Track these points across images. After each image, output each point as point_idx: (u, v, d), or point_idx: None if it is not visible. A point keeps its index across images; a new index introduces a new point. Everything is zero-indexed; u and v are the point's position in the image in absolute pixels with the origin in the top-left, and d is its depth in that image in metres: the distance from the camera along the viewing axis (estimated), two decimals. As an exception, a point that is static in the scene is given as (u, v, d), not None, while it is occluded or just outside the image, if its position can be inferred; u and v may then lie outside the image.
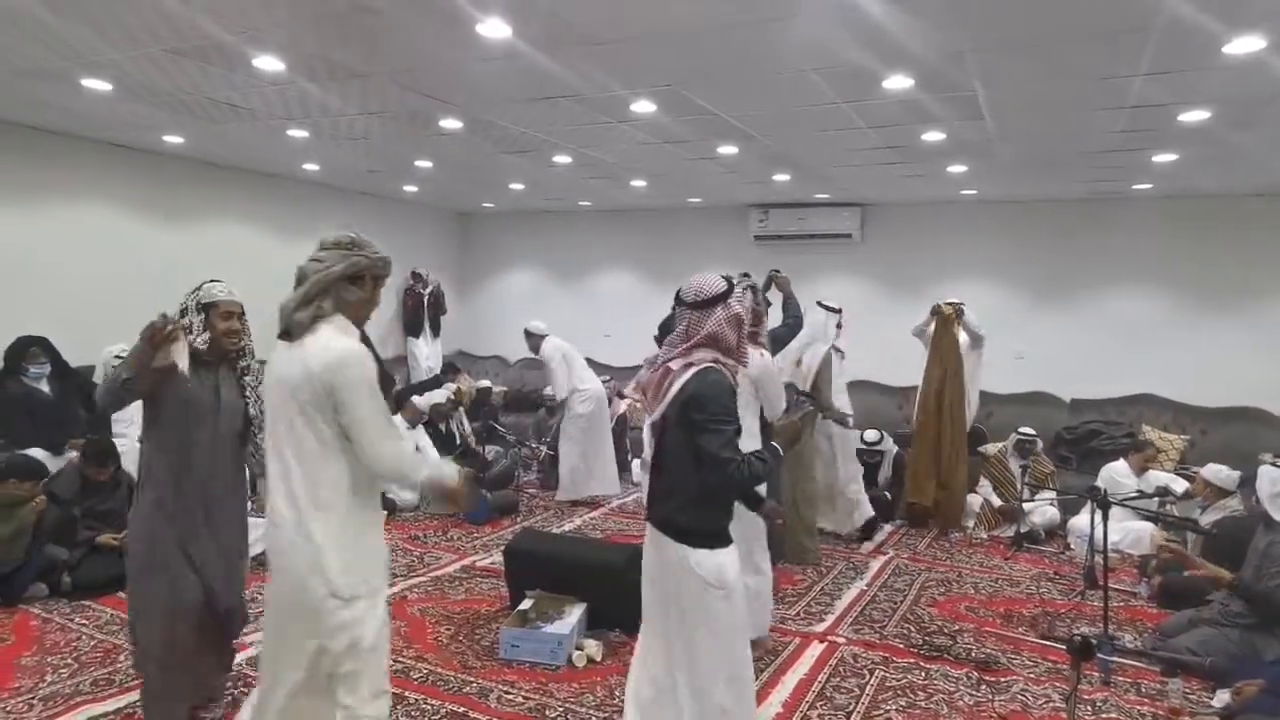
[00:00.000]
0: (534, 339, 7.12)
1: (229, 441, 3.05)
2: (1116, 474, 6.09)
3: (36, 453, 4.91)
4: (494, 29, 3.68)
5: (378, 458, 2.30)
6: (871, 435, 6.99)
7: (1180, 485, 5.90)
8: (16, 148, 6.29)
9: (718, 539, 2.56)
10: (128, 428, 6.18)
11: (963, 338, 6.53)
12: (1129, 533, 5.84)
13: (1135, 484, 5.88)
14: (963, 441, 6.41)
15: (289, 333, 2.35)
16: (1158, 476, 6.12)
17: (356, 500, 2.34)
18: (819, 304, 5.99)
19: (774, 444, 2.61)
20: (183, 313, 2.96)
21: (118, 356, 6.30)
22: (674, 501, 2.55)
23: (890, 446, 7.07)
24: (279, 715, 2.40)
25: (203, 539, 2.95)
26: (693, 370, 2.51)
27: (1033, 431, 6.59)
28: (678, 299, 2.65)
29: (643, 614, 2.74)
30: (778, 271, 5.55)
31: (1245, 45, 3.58)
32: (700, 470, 2.48)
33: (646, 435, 2.63)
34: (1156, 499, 5.05)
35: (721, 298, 2.58)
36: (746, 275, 4.56)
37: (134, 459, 5.81)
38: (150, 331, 2.78)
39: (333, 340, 2.31)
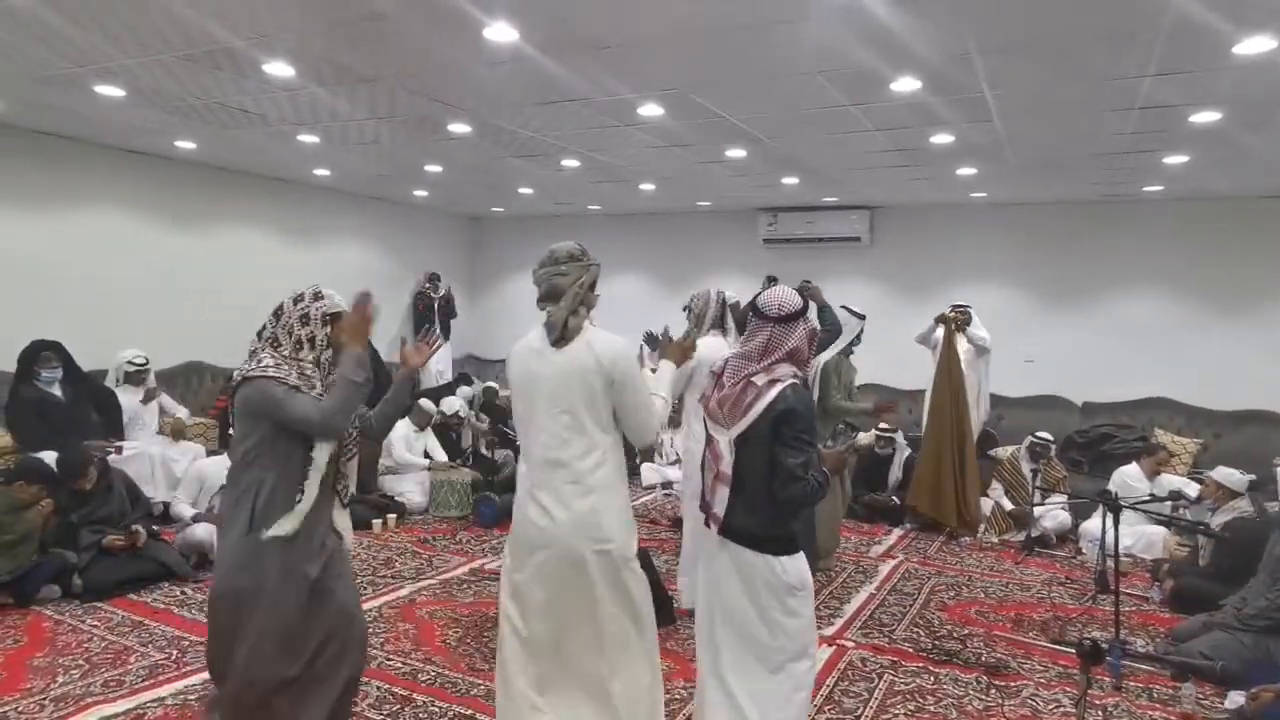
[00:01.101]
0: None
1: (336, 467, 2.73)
2: (1129, 478, 6.05)
3: (48, 456, 4.94)
4: (501, 33, 3.70)
5: (643, 428, 2.71)
6: (886, 424, 7.00)
7: (1194, 489, 5.86)
8: (30, 153, 6.36)
9: (794, 543, 2.63)
10: (140, 430, 6.26)
11: (965, 345, 6.50)
12: (1141, 537, 5.81)
13: (1148, 488, 5.84)
14: (970, 448, 6.38)
15: (563, 339, 2.66)
16: (1171, 480, 6.08)
17: (622, 475, 2.75)
18: (844, 308, 5.92)
19: (823, 469, 2.63)
20: (301, 324, 2.57)
21: (130, 362, 6.38)
22: (760, 515, 2.58)
23: (903, 446, 7.05)
24: (567, 672, 2.67)
25: (336, 584, 2.68)
26: (780, 386, 2.54)
27: (1049, 436, 6.55)
28: (758, 313, 2.67)
29: (700, 636, 2.79)
30: (809, 282, 5.53)
31: (1255, 45, 3.57)
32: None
33: (724, 449, 2.63)
34: (1169, 503, 5.03)
35: (803, 312, 2.64)
36: (774, 280, 4.59)
37: (146, 463, 5.94)
38: (358, 315, 2.53)
39: (610, 338, 2.71)
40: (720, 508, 2.63)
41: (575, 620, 2.67)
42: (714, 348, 3.10)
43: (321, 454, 2.54)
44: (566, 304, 2.67)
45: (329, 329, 2.60)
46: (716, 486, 2.65)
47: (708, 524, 2.73)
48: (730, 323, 4.34)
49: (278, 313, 2.59)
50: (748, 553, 2.59)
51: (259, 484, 2.48)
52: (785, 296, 2.65)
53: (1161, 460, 6.22)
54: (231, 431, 2.66)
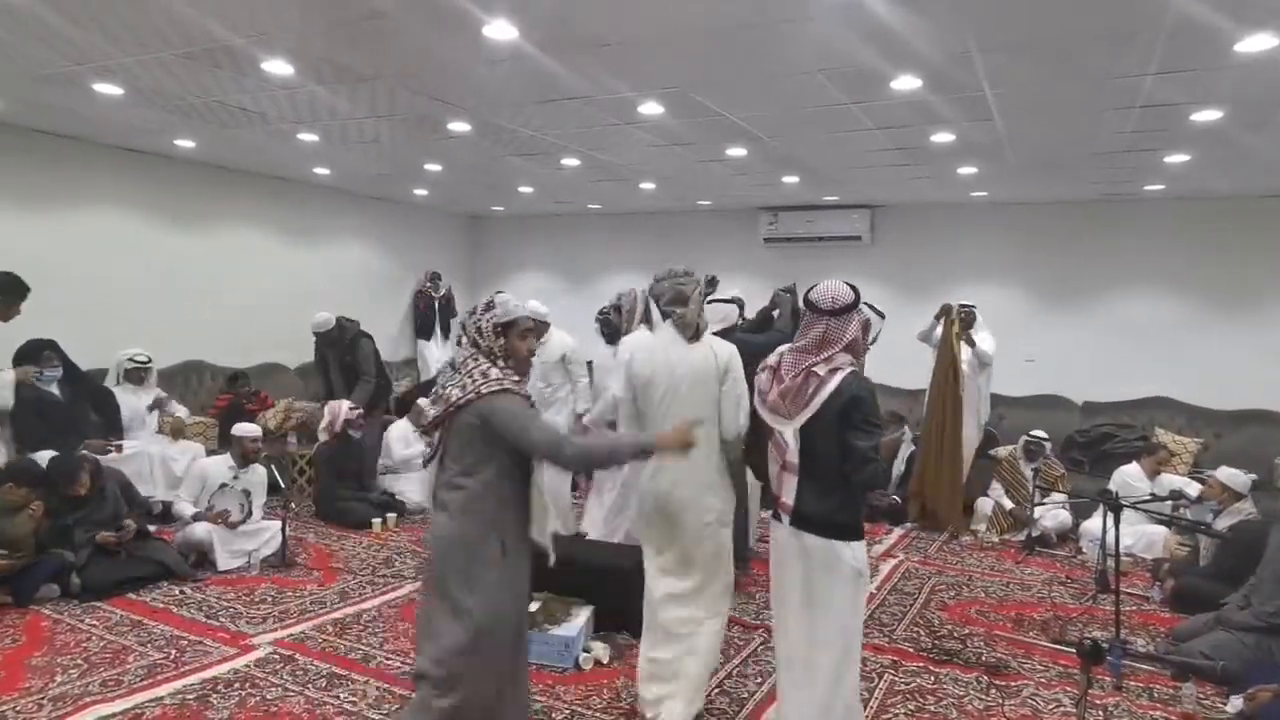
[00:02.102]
0: (538, 326, 5.55)
1: None
2: (1129, 477, 6.04)
3: (47, 455, 4.93)
4: (500, 31, 3.69)
5: (736, 419, 3.17)
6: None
7: (1194, 489, 5.85)
8: (29, 152, 6.35)
9: (860, 530, 2.78)
10: (140, 430, 6.25)
11: (967, 354, 6.49)
12: (1142, 536, 5.80)
13: (1148, 487, 5.83)
14: (955, 442, 6.40)
15: (695, 337, 3.23)
16: (1171, 480, 6.06)
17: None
18: (867, 304, 5.89)
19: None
20: (480, 337, 2.58)
21: (131, 360, 6.38)
22: (831, 501, 2.71)
23: (908, 442, 7.05)
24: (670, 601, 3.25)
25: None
26: (842, 374, 2.65)
27: (1043, 434, 6.54)
28: (812, 307, 2.76)
29: (781, 623, 2.93)
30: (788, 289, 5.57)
31: (1257, 44, 3.55)
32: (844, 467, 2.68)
33: (789, 439, 2.74)
34: (1170, 502, 5.02)
35: (855, 304, 2.74)
36: (714, 280, 4.82)
37: (145, 462, 5.93)
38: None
39: (724, 341, 3.36)
40: (789, 496, 2.78)
41: (690, 555, 3.24)
42: (644, 344, 3.47)
43: (542, 474, 2.62)
44: (695, 308, 3.25)
45: (502, 340, 2.58)
46: (784, 476, 2.81)
47: (777, 515, 2.87)
48: (655, 317, 4.41)
49: (464, 329, 2.63)
50: (816, 539, 2.73)
51: (503, 507, 2.52)
52: (838, 290, 2.73)
53: (1162, 460, 6.21)
54: (444, 448, 2.59)
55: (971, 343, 6.50)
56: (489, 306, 2.60)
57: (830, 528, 2.71)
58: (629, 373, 3.31)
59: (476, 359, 2.54)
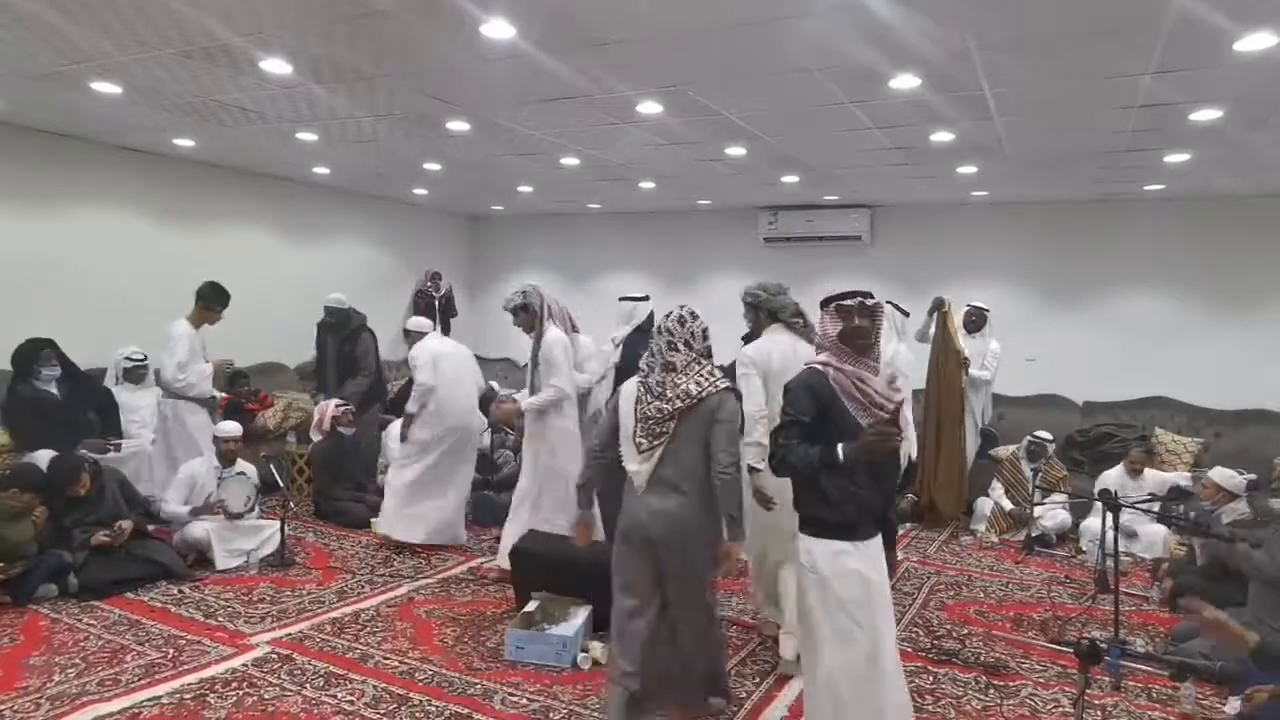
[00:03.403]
0: (410, 336, 6.17)
1: None
2: (1109, 482, 5.83)
3: (47, 455, 4.93)
4: (498, 29, 3.69)
5: None
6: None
7: (1184, 479, 5.84)
8: (28, 151, 6.35)
9: (815, 527, 2.79)
10: (141, 429, 6.24)
11: (966, 364, 6.48)
12: (1141, 536, 5.78)
13: (1133, 488, 5.77)
14: (956, 438, 6.40)
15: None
16: (1162, 477, 6.02)
17: None
18: (889, 303, 5.90)
19: (842, 447, 2.61)
20: (691, 341, 3.08)
21: (129, 359, 6.37)
22: (796, 491, 2.87)
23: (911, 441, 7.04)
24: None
25: None
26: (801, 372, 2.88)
27: (1046, 435, 6.52)
28: None
29: None
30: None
31: (1257, 42, 3.55)
32: None
33: None
34: (1170, 501, 5.00)
35: (821, 305, 2.92)
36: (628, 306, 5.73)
37: (145, 461, 5.92)
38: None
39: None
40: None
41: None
42: (780, 344, 3.90)
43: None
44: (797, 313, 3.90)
45: (708, 343, 3.09)
46: None
47: None
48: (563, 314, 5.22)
49: (669, 331, 3.05)
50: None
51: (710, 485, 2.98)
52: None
53: (1136, 460, 6.07)
54: (675, 435, 3.00)
55: (967, 367, 6.48)
56: (693, 316, 3.09)
57: (798, 519, 2.87)
58: (767, 367, 3.76)
59: (699, 361, 3.03)
